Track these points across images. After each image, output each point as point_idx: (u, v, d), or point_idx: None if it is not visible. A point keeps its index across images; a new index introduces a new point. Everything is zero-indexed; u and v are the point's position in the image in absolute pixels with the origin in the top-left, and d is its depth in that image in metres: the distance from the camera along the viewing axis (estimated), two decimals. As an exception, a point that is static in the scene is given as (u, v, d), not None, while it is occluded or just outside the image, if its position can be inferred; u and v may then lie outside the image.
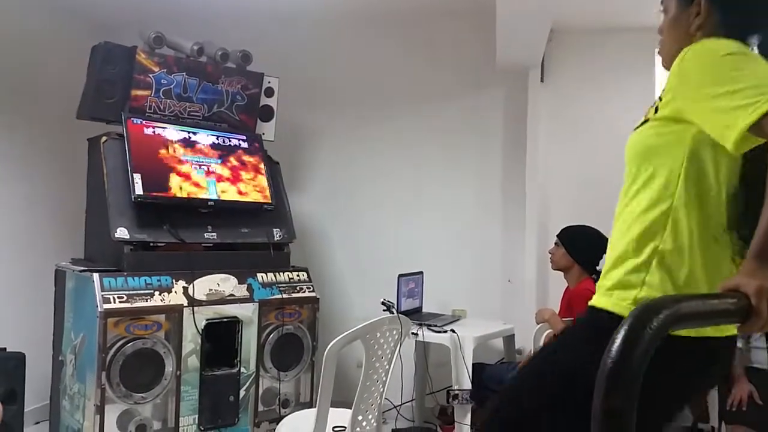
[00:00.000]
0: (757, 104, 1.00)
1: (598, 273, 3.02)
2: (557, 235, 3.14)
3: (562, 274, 3.15)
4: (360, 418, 2.33)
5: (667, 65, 1.26)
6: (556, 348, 1.41)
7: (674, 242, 1.17)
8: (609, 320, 1.18)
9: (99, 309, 2.68)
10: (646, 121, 1.25)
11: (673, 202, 1.18)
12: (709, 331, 1.16)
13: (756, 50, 1.21)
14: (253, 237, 3.30)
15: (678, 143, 1.18)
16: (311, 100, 4.11)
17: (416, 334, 3.18)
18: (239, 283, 3.14)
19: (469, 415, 3.14)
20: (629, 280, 1.20)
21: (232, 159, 3.37)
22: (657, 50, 1.38)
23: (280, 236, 3.40)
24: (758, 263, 0.93)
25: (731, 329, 1.20)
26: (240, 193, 3.30)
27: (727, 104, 1.04)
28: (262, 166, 3.46)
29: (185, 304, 2.92)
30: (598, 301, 1.26)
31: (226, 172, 3.31)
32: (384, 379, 2.43)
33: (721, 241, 1.18)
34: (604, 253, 3.31)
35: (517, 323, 3.58)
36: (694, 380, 1.26)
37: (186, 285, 2.95)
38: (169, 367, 2.85)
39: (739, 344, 2.89)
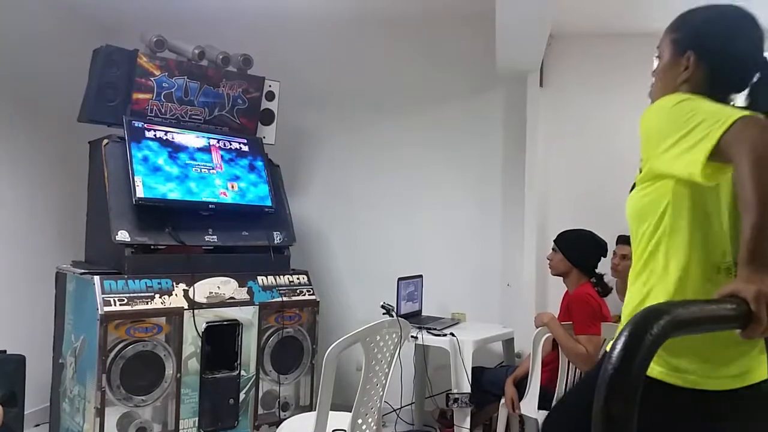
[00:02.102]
0: (710, 133, 1.05)
1: (597, 276, 3.04)
2: (554, 240, 3.15)
3: (561, 278, 3.15)
4: (360, 421, 2.34)
5: None
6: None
7: (667, 287, 1.22)
8: None
9: (99, 311, 2.68)
10: (635, 185, 1.31)
11: (661, 253, 1.23)
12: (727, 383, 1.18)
13: (741, 105, 1.25)
14: (253, 240, 3.31)
15: (661, 199, 1.24)
16: (312, 103, 4.12)
17: (416, 338, 3.19)
18: (239, 286, 3.15)
19: (468, 419, 3.14)
20: None
21: (232, 162, 3.38)
22: (648, 92, 1.42)
23: (280, 239, 3.41)
24: (752, 268, 0.94)
25: (755, 376, 1.21)
26: (240, 196, 3.32)
27: (686, 145, 1.10)
28: (262, 169, 3.47)
29: (185, 306, 2.92)
30: None
31: (226, 175, 3.32)
32: (384, 382, 2.44)
33: (716, 280, 1.20)
34: (602, 256, 3.31)
35: (516, 327, 3.59)
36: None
37: (186, 288, 2.96)
38: (170, 370, 2.85)
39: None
